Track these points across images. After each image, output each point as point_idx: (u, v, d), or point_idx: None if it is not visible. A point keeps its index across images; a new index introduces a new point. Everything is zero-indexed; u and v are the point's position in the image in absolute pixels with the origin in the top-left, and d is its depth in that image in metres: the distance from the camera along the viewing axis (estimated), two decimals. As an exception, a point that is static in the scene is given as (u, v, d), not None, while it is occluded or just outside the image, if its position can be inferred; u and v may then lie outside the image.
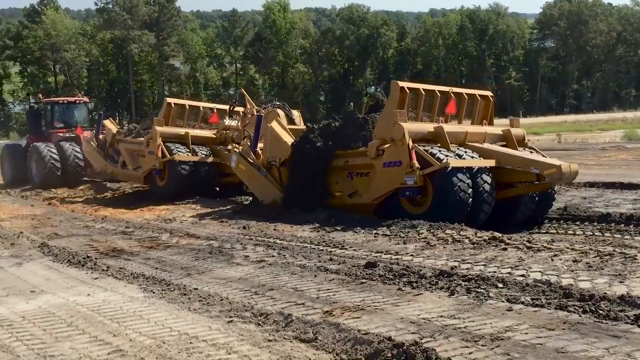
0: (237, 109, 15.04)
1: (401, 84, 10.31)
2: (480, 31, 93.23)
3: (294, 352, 4.31)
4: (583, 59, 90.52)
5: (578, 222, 9.86)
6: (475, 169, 9.63)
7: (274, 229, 10.21)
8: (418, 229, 9.24)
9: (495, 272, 6.40)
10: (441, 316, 5.04)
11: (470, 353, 4.17)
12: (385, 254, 7.74)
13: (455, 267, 6.76)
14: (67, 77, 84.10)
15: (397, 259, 7.44)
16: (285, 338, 4.62)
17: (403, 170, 9.65)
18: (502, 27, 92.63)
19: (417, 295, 5.74)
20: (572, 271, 6.25)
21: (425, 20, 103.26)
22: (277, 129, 12.20)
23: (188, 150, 15.09)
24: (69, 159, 19.89)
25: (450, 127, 10.35)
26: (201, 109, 16.79)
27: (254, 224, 10.89)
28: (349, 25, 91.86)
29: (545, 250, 7.33)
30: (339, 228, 9.83)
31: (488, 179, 9.67)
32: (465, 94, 11.13)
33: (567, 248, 7.45)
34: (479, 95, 11.28)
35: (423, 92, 10.53)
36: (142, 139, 15.97)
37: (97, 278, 7.09)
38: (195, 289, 6.33)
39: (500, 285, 5.84)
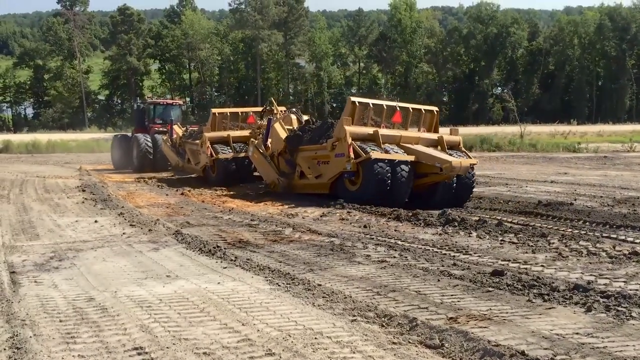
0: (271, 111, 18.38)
1: (353, 99, 14.09)
2: (621, 30, 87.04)
3: (420, 357, 4.23)
4: None
5: None
6: (396, 161, 12.95)
7: (395, 230, 10.14)
8: (548, 238, 8.82)
9: (638, 290, 5.91)
10: (577, 333, 4.73)
11: (610, 376, 3.88)
12: (512, 263, 7.42)
13: (592, 281, 6.33)
14: (200, 74, 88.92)
15: (525, 268, 7.10)
16: (410, 342, 4.55)
17: (345, 160, 13.25)
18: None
19: (549, 308, 5.44)
20: None
21: (560, 19, 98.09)
22: (278, 128, 15.87)
23: (230, 149, 18.90)
24: (159, 148, 24.36)
25: (385, 131, 13.71)
26: (240, 113, 21.16)
27: (374, 223, 10.90)
28: (476, 23, 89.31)
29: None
30: (462, 233, 9.59)
31: (406, 169, 13.06)
32: (412, 108, 14.68)
33: None
34: (424, 109, 14.79)
35: (371, 106, 14.11)
36: (198, 140, 20.07)
37: (226, 267, 7.39)
38: (319, 284, 6.41)
39: (644, 305, 5.39)
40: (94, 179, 20.55)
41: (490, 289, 6.15)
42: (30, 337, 4.84)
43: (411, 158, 13.20)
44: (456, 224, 10.25)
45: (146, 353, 4.48)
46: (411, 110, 14.54)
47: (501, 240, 8.85)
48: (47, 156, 37.76)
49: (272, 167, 15.81)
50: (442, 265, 7.29)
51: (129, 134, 27.99)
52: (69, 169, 26.85)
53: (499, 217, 11.07)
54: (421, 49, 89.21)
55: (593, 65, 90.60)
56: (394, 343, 4.54)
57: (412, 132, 14.28)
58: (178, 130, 23.26)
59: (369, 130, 13.62)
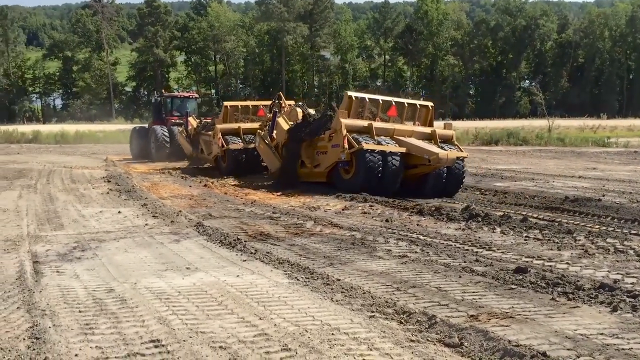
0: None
1: (350, 93, 15.13)
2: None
3: (438, 356, 4.15)
4: None
5: None
6: (387, 152, 13.72)
7: (417, 224, 10.03)
8: (574, 235, 8.64)
9: (666, 290, 5.74)
10: (601, 334, 4.61)
11: (636, 380, 3.76)
12: (536, 260, 7.27)
13: (619, 280, 6.17)
14: (225, 66, 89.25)
15: (550, 266, 6.95)
16: (428, 340, 4.47)
17: (340, 150, 14.09)
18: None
19: (574, 307, 5.31)
20: None
21: (590, 11, 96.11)
22: (281, 121, 16.84)
23: (240, 140, 19.66)
24: (176, 139, 25.31)
25: (379, 124, 14.47)
26: (250, 106, 22.00)
27: (396, 217, 10.80)
28: (504, 15, 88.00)
29: None
30: (486, 228, 9.44)
31: (396, 159, 13.81)
32: (407, 103, 15.48)
33: None
34: (419, 104, 15.67)
35: (367, 100, 14.90)
36: (210, 132, 21.00)
37: (245, 260, 7.38)
38: (338, 279, 6.35)
39: (673, 306, 5.22)
40: (119, 170, 20.76)
41: (513, 286, 6.03)
42: (50, 327, 4.88)
43: (402, 150, 13.93)
44: (480, 219, 10.11)
45: (163, 346, 4.47)
46: (406, 105, 15.30)
47: (526, 237, 8.69)
48: (74, 147, 38.29)
49: (276, 157, 16.77)
50: (464, 262, 7.18)
51: (146, 126, 29.16)
52: (95, 159, 27.20)
53: (524, 213, 10.87)
54: (448, 41, 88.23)
55: (624, 58, 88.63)
56: (412, 340, 4.47)
57: (405, 126, 14.92)
58: (193, 122, 24.12)
59: (364, 123, 14.36)
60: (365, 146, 13.59)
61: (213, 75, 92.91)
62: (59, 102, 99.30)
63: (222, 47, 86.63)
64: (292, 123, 16.63)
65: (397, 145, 14.09)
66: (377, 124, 14.42)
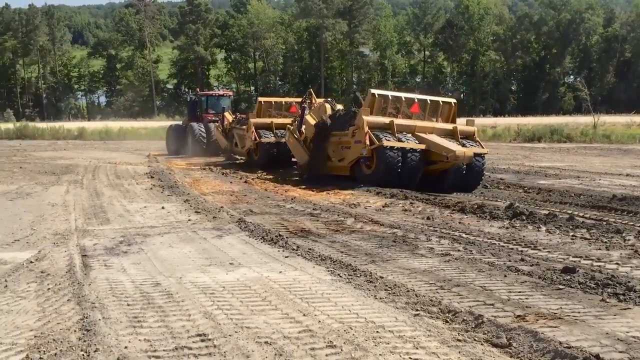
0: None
1: (373, 91, 15.47)
2: None
3: (486, 357, 4.09)
4: None
5: None
6: (407, 149, 14.19)
7: (459, 222, 9.91)
8: (624, 234, 8.40)
9: None
10: (655, 337, 4.46)
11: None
12: (584, 259, 7.09)
13: (672, 282, 5.96)
14: (264, 63, 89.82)
15: (599, 266, 6.77)
16: (475, 340, 4.40)
17: (362, 146, 14.58)
18: None
19: (625, 309, 5.16)
20: None
21: (638, 4, 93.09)
22: (309, 117, 17.52)
23: (273, 134, 20.50)
24: (212, 136, 26.54)
25: (401, 121, 14.98)
26: (284, 102, 22.83)
27: (437, 214, 10.70)
28: (548, 10, 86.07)
29: None
30: (531, 227, 9.26)
31: (416, 156, 14.26)
32: (429, 100, 15.84)
33: None
34: (442, 101, 16.02)
35: (390, 97, 15.51)
36: (244, 126, 21.92)
37: (287, 257, 7.41)
38: (381, 277, 6.32)
39: None
40: (162, 166, 21.12)
41: (561, 286, 5.90)
42: (100, 319, 4.99)
43: (422, 146, 14.39)
44: (524, 217, 9.92)
45: (209, 340, 4.53)
46: (429, 102, 15.79)
47: (572, 236, 8.50)
48: (118, 143, 39.14)
49: (304, 150, 17.45)
50: (509, 260, 7.06)
51: (180, 123, 30.59)
52: (138, 155, 27.75)
53: (569, 211, 10.62)
54: (489, 36, 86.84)
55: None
56: (458, 340, 4.41)
57: (427, 122, 15.34)
58: (228, 117, 25.18)
59: (386, 120, 14.92)
60: (386, 143, 14.12)
61: (252, 72, 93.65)
62: (103, 100, 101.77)
63: (262, 44, 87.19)
64: (320, 118, 17.13)
65: (417, 142, 14.51)
66: (399, 121, 14.89)
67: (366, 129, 14.48)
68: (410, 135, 14.73)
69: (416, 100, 15.69)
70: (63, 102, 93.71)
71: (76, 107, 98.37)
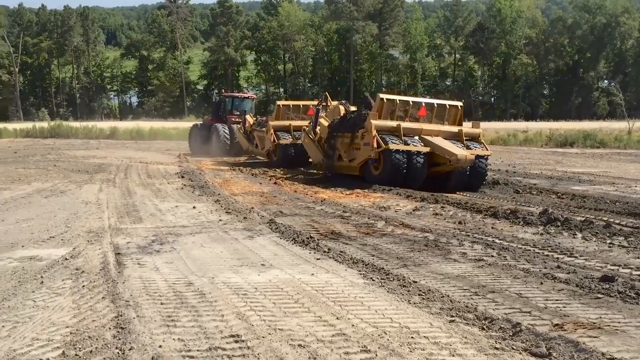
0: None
1: (382, 95, 16.18)
2: None
3: (525, 366, 4.00)
4: None
5: None
6: (413, 152, 14.99)
7: (492, 227, 9.77)
8: (663, 243, 8.16)
9: None
10: (701, 351, 4.31)
11: None
12: (623, 268, 6.92)
13: None
14: (294, 65, 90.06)
15: (638, 275, 6.59)
16: (513, 348, 4.31)
17: (370, 148, 15.35)
18: None
19: (668, 321, 5.00)
20: None
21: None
22: (322, 119, 18.41)
23: (290, 136, 21.64)
24: (235, 137, 27.25)
25: (407, 125, 15.62)
26: (301, 106, 23.48)
27: (469, 219, 10.56)
28: (582, 13, 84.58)
29: None
30: (566, 234, 9.08)
31: (421, 159, 15.06)
32: (436, 103, 16.57)
33: None
34: (448, 104, 16.63)
35: (397, 102, 16.17)
36: (264, 129, 22.95)
37: (319, 259, 7.37)
38: (415, 281, 6.24)
39: None
40: (192, 166, 21.30)
41: (600, 295, 5.75)
42: (134, 318, 5.02)
43: (426, 149, 15.18)
44: (559, 223, 9.74)
45: (243, 341, 4.51)
46: (436, 106, 16.50)
47: (610, 243, 8.30)
48: (149, 143, 39.61)
49: (318, 150, 18.36)
50: (545, 267, 6.92)
51: (203, 123, 31.09)
52: (169, 155, 28.05)
53: (605, 218, 10.39)
54: (521, 39, 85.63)
55: None
56: (496, 348, 4.32)
57: (433, 125, 16.09)
58: (250, 119, 26.17)
59: (393, 123, 15.64)
60: (392, 146, 14.93)
61: (282, 74, 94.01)
62: (134, 100, 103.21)
63: (292, 46, 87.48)
64: (333, 119, 17.94)
65: (422, 144, 15.26)
66: (405, 124, 15.60)
67: (374, 132, 15.22)
68: (416, 137, 15.42)
69: (423, 104, 16.44)
70: (96, 102, 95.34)
71: (108, 107, 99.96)
